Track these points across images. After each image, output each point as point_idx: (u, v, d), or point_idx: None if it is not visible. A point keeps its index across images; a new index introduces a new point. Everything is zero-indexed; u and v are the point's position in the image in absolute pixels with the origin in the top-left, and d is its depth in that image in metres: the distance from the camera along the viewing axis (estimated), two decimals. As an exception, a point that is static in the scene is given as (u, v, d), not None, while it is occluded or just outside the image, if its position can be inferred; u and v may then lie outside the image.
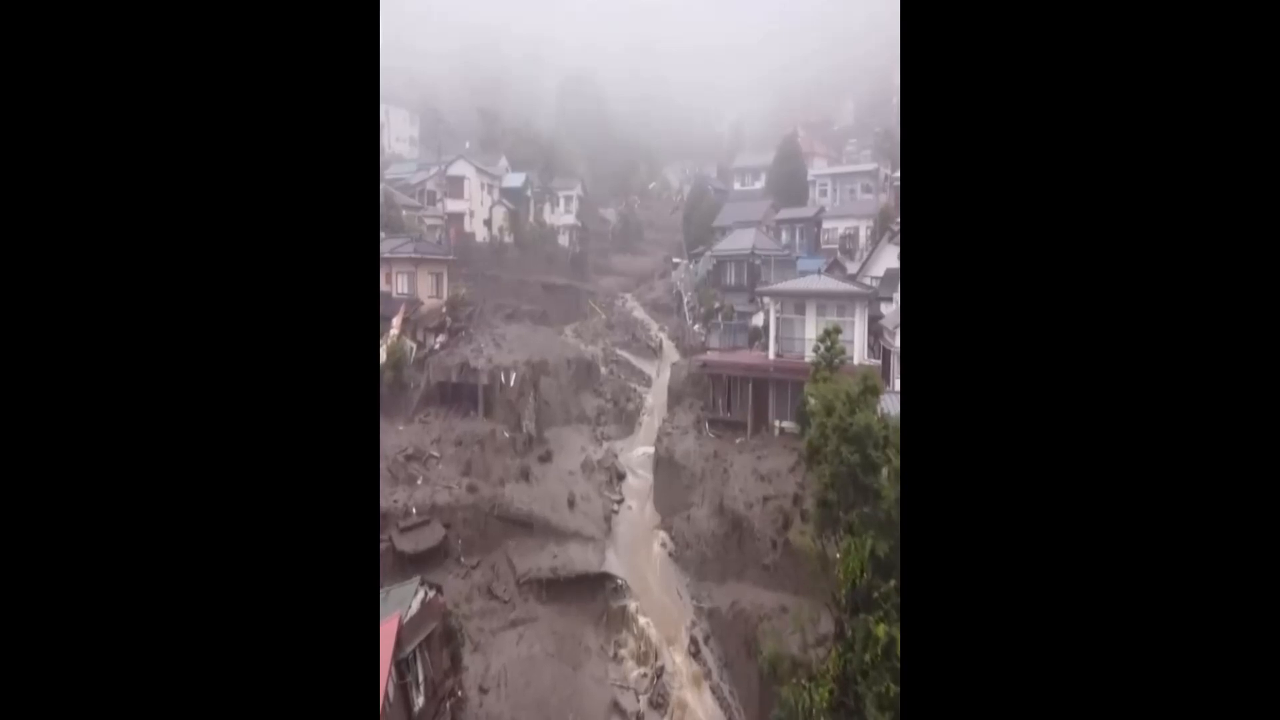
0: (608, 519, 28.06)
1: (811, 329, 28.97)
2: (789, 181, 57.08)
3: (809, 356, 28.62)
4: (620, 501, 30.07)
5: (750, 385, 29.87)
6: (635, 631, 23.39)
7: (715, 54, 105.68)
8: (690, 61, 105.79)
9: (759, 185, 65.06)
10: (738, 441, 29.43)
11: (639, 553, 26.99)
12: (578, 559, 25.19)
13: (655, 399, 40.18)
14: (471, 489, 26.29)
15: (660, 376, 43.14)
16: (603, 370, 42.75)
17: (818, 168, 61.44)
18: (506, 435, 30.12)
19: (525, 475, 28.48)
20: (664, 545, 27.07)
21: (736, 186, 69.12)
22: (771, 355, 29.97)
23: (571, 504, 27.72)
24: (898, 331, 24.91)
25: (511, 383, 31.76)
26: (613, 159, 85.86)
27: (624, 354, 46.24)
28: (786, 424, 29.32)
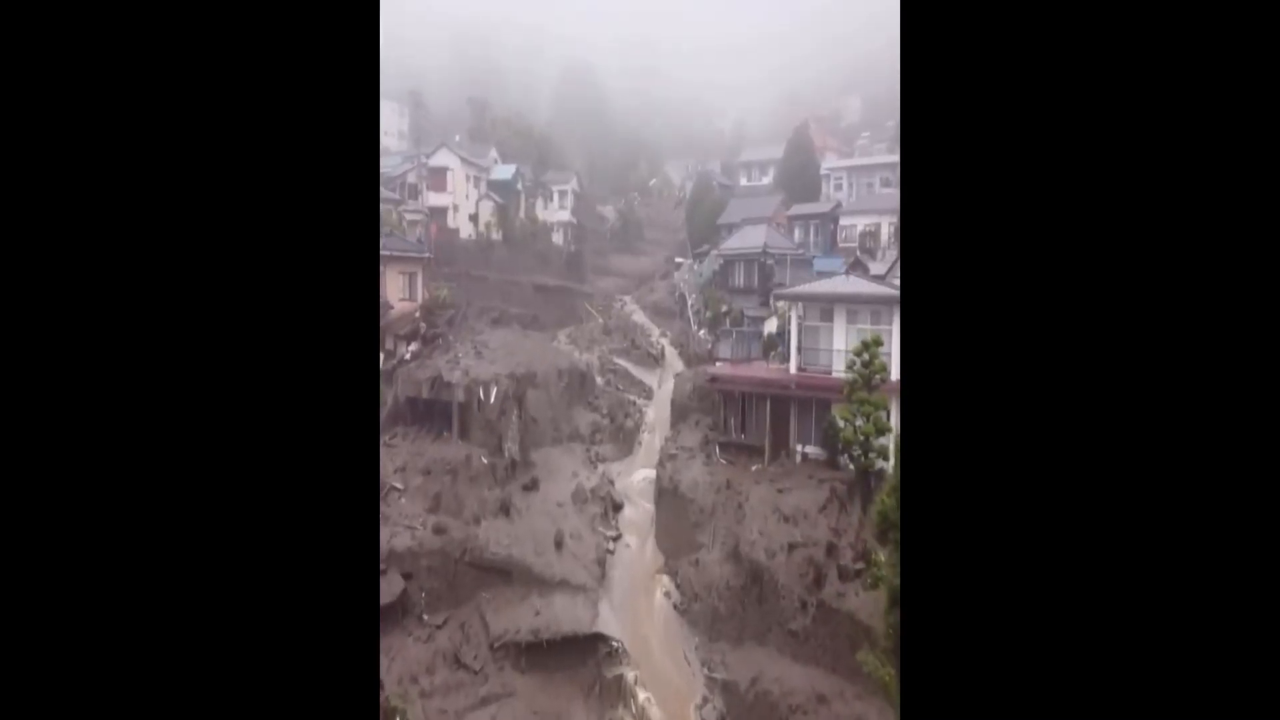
0: (601, 562, 23.85)
1: (841, 339, 24.83)
2: (800, 175, 52.89)
3: (839, 371, 24.51)
4: (616, 538, 25.88)
5: (768, 404, 25.67)
6: (634, 710, 19.20)
7: (715, 53, 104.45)
8: (690, 59, 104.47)
9: (766, 180, 60.96)
10: (753, 469, 25.27)
11: (639, 605, 22.79)
12: (565, 615, 20.99)
13: (657, 413, 36.01)
14: (439, 530, 22.09)
15: (662, 388, 39.06)
16: (599, 381, 38.60)
17: (830, 162, 57.35)
18: (485, 461, 25.92)
19: (505, 509, 24.28)
20: (668, 595, 22.87)
21: (743, 182, 64.90)
22: (793, 369, 25.80)
23: (559, 545, 23.52)
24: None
25: (492, 399, 27.57)
26: (611, 154, 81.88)
27: (622, 362, 42.07)
28: (810, 449, 25.19)
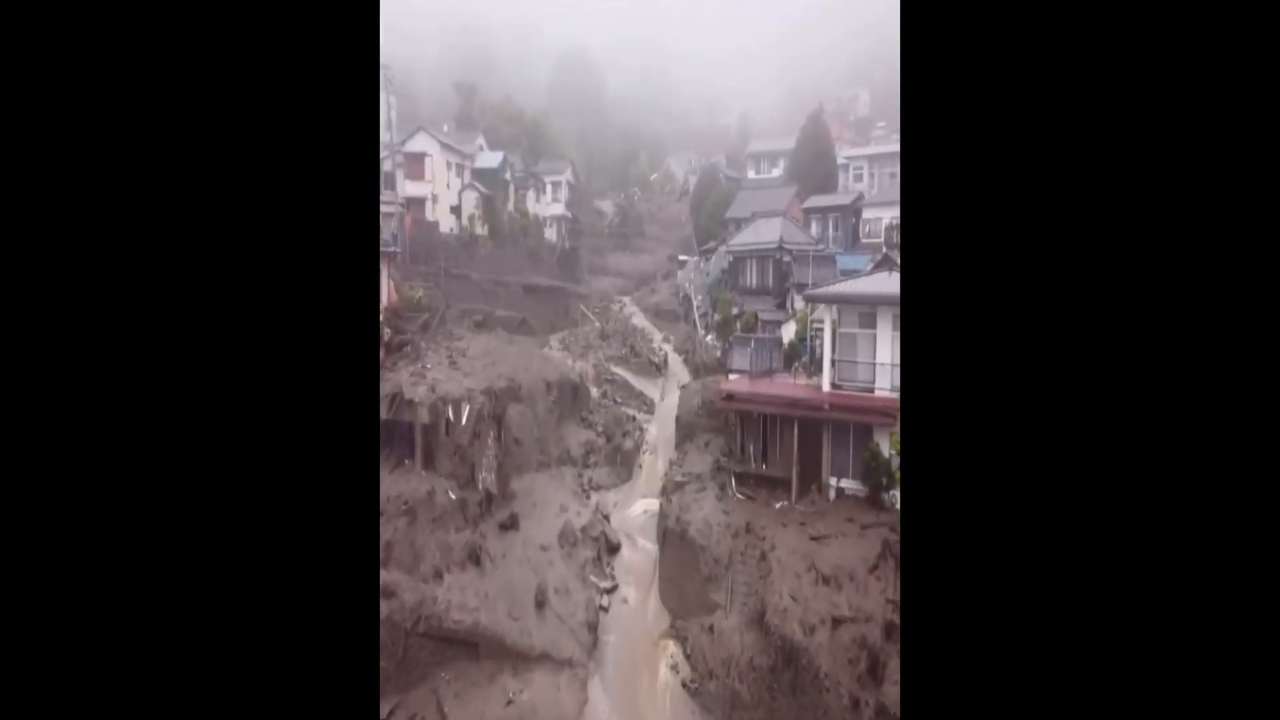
0: (592, 625, 19.41)
1: (886, 350, 20.39)
2: (815, 165, 48.49)
3: (883, 389, 20.09)
4: (612, 590, 21.44)
5: (795, 427, 21.21)
6: (632, 837, 14.75)
7: (719, 52, 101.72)
8: (693, 58, 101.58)
9: (777, 173, 56.62)
10: (777, 507, 20.84)
11: (639, 683, 18.31)
12: (545, 702, 16.55)
13: (660, 430, 31.66)
14: (388, 592, 17.60)
15: (666, 400, 34.75)
16: (593, 393, 34.21)
17: (848, 150, 52.96)
18: (453, 496, 21.46)
19: (475, 558, 19.82)
20: (675, 669, 18.39)
21: (751, 175, 60.51)
22: (826, 385, 21.33)
23: (540, 604, 19.10)
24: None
25: (463, 419, 23.11)
26: (610, 146, 77.64)
27: (620, 371, 37.77)
28: (847, 483, 20.75)
